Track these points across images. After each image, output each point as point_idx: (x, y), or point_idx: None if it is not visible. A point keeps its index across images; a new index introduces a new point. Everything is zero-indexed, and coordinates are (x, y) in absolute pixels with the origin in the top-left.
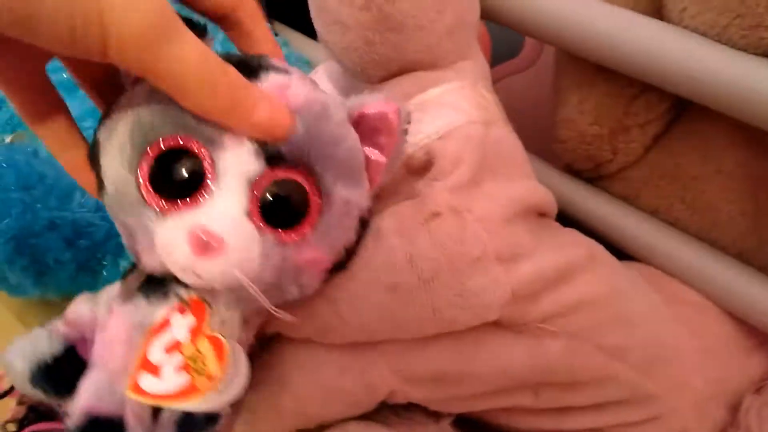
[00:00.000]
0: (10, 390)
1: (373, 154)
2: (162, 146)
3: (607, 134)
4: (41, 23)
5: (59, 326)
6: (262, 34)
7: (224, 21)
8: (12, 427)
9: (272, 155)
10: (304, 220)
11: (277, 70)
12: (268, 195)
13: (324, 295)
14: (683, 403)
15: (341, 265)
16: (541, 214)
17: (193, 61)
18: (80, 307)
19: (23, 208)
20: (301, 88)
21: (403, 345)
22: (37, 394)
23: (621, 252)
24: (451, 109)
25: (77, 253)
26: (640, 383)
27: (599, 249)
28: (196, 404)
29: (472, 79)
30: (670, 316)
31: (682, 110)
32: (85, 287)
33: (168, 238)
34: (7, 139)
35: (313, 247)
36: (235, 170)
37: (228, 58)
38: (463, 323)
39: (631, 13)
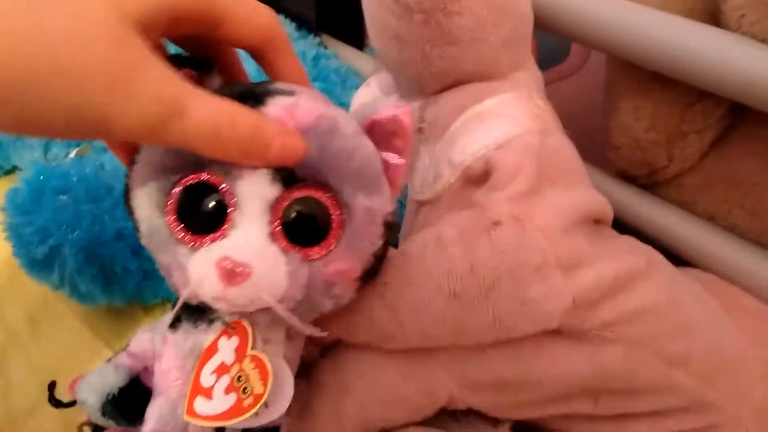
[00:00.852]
0: None
1: (391, 157)
2: (183, 185)
3: (664, 141)
4: (43, 126)
5: (123, 359)
6: (291, 67)
7: (255, 53)
8: (87, 430)
9: (287, 177)
10: (328, 235)
11: (283, 92)
12: (288, 215)
13: (385, 303)
14: (744, 412)
15: (373, 271)
16: (598, 222)
17: (199, 128)
18: (142, 338)
19: (92, 219)
20: (308, 107)
21: (462, 352)
22: (109, 423)
23: (678, 258)
24: (508, 119)
25: (143, 261)
26: (699, 391)
27: (657, 256)
28: (245, 421)
29: (527, 89)
30: (730, 323)
31: (739, 116)
32: (149, 295)
33: (198, 270)
34: (72, 153)
35: (341, 259)
36: (253, 197)
37: (232, 88)
38: (523, 331)
39: (686, 20)
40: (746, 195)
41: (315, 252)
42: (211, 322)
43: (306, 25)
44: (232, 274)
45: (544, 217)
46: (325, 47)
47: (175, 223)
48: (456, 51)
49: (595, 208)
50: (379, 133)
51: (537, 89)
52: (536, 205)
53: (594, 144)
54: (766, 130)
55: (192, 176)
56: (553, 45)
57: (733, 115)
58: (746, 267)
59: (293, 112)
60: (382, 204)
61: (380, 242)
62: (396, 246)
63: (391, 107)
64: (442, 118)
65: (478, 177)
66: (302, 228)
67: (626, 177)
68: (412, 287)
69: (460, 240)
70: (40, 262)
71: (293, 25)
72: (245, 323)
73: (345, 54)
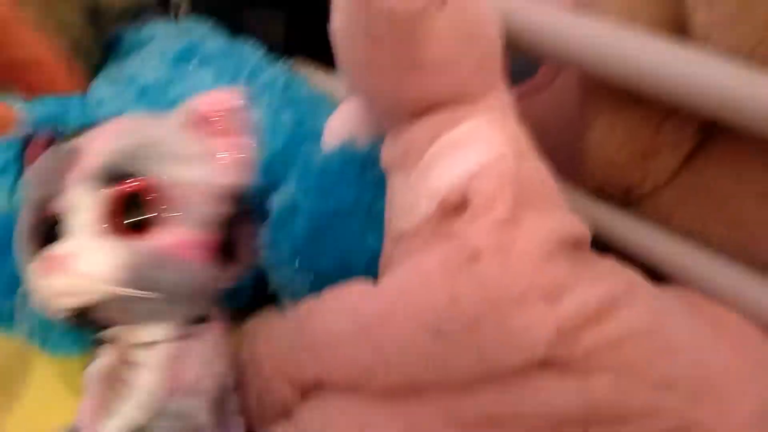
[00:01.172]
0: None
1: (231, 143)
2: (33, 223)
3: (638, 157)
4: None
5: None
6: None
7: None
8: None
9: (109, 176)
10: (155, 214)
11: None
12: (114, 205)
13: (367, 338)
14: (731, 428)
15: (228, 243)
16: (577, 244)
17: None
18: None
19: None
20: (120, 122)
21: (449, 389)
22: None
23: (658, 275)
24: (482, 145)
25: None
26: (686, 411)
27: (637, 278)
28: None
29: (500, 111)
30: (714, 339)
31: (711, 129)
32: None
33: (34, 276)
34: None
35: (174, 233)
36: (81, 203)
37: None
38: (509, 363)
39: (655, 38)
40: (721, 207)
41: (142, 233)
42: (103, 342)
43: (275, 49)
44: (54, 264)
45: (524, 245)
46: (296, 72)
47: (30, 253)
48: (427, 79)
49: (573, 231)
50: (206, 122)
51: (510, 111)
52: (515, 233)
53: (568, 160)
54: (738, 142)
55: (34, 216)
56: (522, 60)
57: (706, 129)
58: (726, 282)
59: (104, 129)
60: (208, 176)
61: (217, 212)
62: (376, 278)
63: (210, 97)
64: (416, 146)
65: (456, 207)
66: (127, 215)
67: (602, 194)
68: (395, 323)
69: (440, 272)
70: (6, 315)
71: (261, 51)
72: (122, 333)
73: (317, 78)
